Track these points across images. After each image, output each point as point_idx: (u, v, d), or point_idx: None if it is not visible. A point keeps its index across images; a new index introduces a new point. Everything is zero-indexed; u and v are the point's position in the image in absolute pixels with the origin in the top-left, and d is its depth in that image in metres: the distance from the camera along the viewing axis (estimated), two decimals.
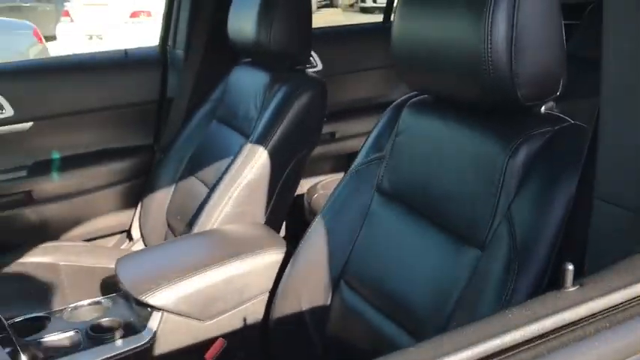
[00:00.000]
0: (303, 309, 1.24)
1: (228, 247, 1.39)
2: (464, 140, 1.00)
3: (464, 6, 0.90)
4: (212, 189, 1.64)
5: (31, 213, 1.95)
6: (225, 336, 1.30)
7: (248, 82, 1.76)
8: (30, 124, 1.95)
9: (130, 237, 2.09)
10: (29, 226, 1.95)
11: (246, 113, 1.72)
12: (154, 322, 1.25)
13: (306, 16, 1.64)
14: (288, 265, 1.29)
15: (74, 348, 1.22)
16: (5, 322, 1.16)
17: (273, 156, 1.56)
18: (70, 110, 2.02)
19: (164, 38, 2.15)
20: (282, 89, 1.62)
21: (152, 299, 1.22)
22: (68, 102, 2.01)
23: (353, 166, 1.26)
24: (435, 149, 1.06)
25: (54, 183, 1.97)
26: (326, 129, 2.40)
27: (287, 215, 2.39)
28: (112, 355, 1.21)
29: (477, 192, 0.97)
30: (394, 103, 1.25)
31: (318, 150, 2.38)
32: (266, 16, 1.58)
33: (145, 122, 2.12)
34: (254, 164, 1.56)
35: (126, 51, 2.10)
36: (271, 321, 1.30)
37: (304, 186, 2.41)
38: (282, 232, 2.40)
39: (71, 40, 8.22)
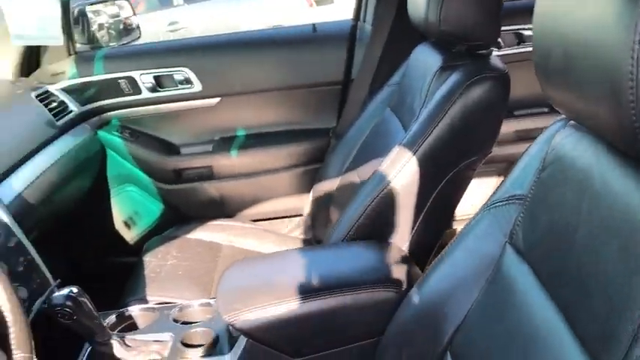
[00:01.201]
0: None
1: (344, 274, 1.17)
2: (615, 199, 0.61)
3: None
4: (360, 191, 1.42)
5: (210, 188, 1.97)
6: None
7: (421, 67, 1.47)
8: (217, 99, 1.96)
9: (303, 223, 1.99)
10: (208, 201, 1.98)
11: (411, 105, 1.44)
12: (239, 348, 1.11)
13: None
14: (396, 313, 1.02)
15: (158, 354, 1.15)
16: (97, 314, 1.13)
17: (424, 162, 1.26)
18: (256, 88, 1.97)
19: (357, 10, 1.95)
20: (450, 79, 1.29)
21: (237, 322, 1.07)
22: (255, 79, 1.96)
23: (489, 200, 0.92)
24: (580, 201, 0.68)
25: (234, 160, 1.96)
26: (536, 123, 1.98)
27: None
28: None
29: (616, 289, 0.58)
30: (556, 120, 0.87)
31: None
32: None
33: (329, 104, 1.97)
34: (400, 170, 1.27)
35: (314, 25, 1.95)
36: None
37: None
38: None
39: (347, 3, 8.45)
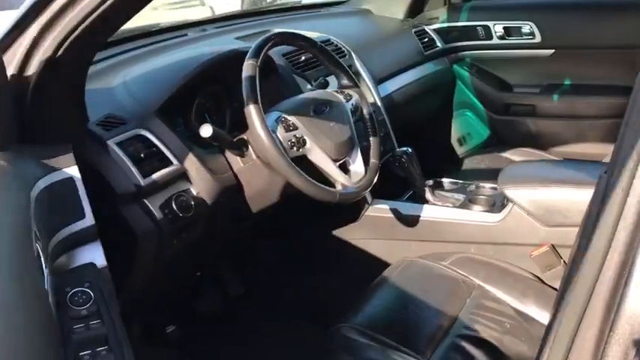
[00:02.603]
0: None
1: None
2: None
3: None
4: None
5: (530, 123, 2.39)
6: (554, 245, 1.51)
7: None
8: (551, 51, 2.34)
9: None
10: (526, 133, 2.41)
11: None
12: (506, 211, 1.59)
13: None
14: None
15: (452, 204, 1.71)
16: (420, 170, 1.74)
17: None
18: (589, 45, 2.28)
19: None
20: None
21: (507, 191, 1.55)
22: (590, 37, 2.27)
23: None
24: None
25: (555, 103, 2.34)
26: None
27: None
28: (465, 220, 1.64)
29: None
30: None
31: None
32: None
33: None
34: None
35: None
36: None
37: None
38: None
39: None
